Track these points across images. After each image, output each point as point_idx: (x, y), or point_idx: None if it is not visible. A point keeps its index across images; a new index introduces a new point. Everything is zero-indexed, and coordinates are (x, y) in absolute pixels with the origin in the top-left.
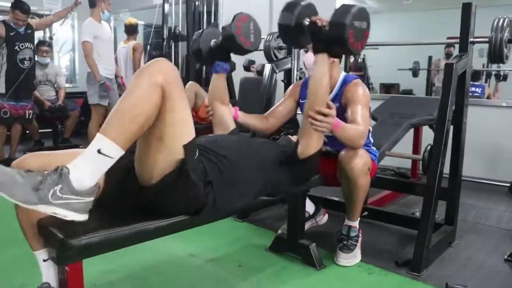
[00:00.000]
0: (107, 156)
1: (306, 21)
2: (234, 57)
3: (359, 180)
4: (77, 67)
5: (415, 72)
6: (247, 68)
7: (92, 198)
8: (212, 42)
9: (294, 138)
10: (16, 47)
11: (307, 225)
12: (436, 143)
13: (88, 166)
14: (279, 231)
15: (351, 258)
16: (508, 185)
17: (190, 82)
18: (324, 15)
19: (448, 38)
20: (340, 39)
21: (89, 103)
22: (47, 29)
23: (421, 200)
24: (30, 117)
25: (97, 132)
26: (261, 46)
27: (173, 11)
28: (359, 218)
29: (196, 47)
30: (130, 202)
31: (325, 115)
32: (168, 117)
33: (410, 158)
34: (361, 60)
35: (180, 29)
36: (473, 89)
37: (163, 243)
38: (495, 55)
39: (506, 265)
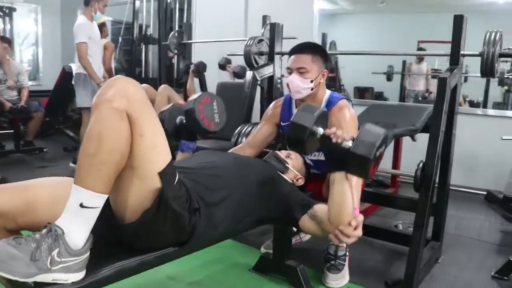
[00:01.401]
0: (91, 207)
1: (319, 131)
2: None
3: None
4: (41, 63)
5: (389, 76)
6: (222, 66)
7: (88, 254)
8: (178, 119)
9: (282, 153)
10: None
11: (292, 242)
12: (429, 160)
13: (76, 222)
14: (262, 249)
15: (340, 279)
16: (485, 193)
17: (162, 86)
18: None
19: (419, 42)
20: (362, 171)
21: (79, 106)
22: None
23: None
24: None
25: (73, 184)
26: (241, 51)
27: (144, 8)
28: None
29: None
30: (111, 238)
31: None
32: (137, 144)
33: (399, 174)
34: (334, 61)
35: (151, 31)
36: None
37: None
38: (487, 70)
39: (495, 283)
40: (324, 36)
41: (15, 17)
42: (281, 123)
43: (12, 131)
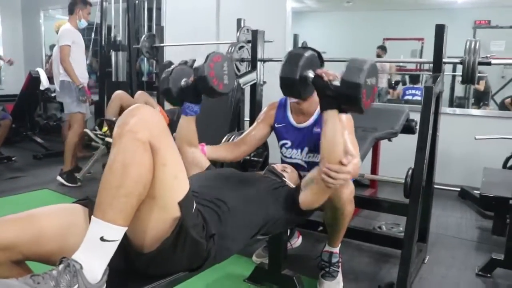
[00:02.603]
0: (111, 240)
1: (310, 74)
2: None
3: (346, 209)
4: (2, 66)
5: None
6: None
7: (104, 286)
8: (183, 81)
9: (278, 167)
10: None
11: None
12: (418, 167)
13: (95, 256)
14: (254, 257)
15: (335, 286)
16: (458, 189)
17: (139, 92)
18: (275, 21)
19: (384, 39)
20: (353, 99)
21: (66, 113)
22: None
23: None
24: None
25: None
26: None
27: (113, 9)
28: (340, 245)
29: (165, 86)
30: (124, 266)
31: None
32: (159, 174)
33: (380, 180)
34: None
35: (120, 35)
36: (412, 91)
37: None
38: (468, 77)
39: (479, 281)
40: (295, 37)
41: None
42: (276, 125)
43: None
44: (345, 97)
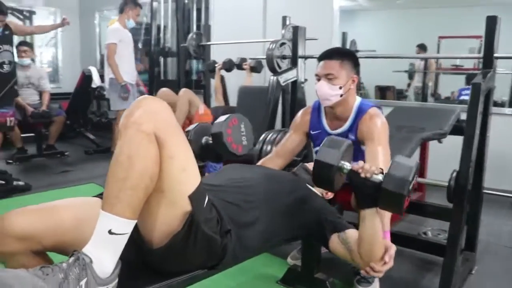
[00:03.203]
0: (120, 234)
1: (346, 166)
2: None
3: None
4: (60, 65)
5: (411, 75)
6: (239, 66)
7: (116, 281)
8: (204, 139)
9: (311, 165)
10: None
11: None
12: (463, 169)
13: (105, 249)
14: (289, 259)
15: None
16: None
17: (183, 90)
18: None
19: (439, 37)
20: (395, 206)
21: (112, 109)
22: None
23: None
24: (12, 124)
25: (101, 210)
26: (260, 52)
27: (162, 8)
28: None
29: None
30: (138, 261)
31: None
32: (166, 166)
33: (426, 183)
34: None
35: (170, 46)
36: (468, 92)
37: None
38: None
39: None
40: (344, 35)
41: (35, 20)
42: (311, 132)
43: (34, 134)
44: (386, 203)
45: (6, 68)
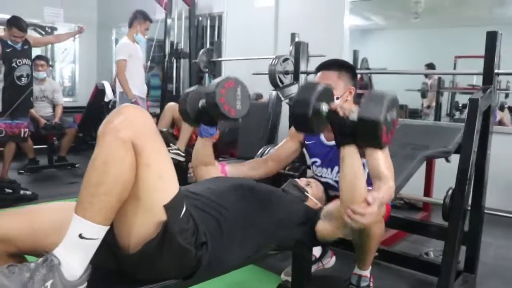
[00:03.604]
0: (90, 238)
1: (324, 108)
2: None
3: (372, 229)
4: (77, 80)
5: (423, 93)
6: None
7: (85, 285)
8: (200, 102)
9: (302, 181)
10: (13, 64)
11: (313, 269)
12: (459, 186)
13: (74, 253)
14: (282, 275)
15: None
16: None
17: None
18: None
19: (456, 57)
20: (372, 137)
21: None
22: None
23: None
24: (26, 135)
25: (74, 213)
26: (266, 70)
27: (176, 25)
28: (370, 267)
29: (183, 107)
30: (113, 267)
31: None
32: (143, 174)
33: (426, 201)
34: (367, 77)
35: (182, 46)
36: None
37: None
38: None
39: None
40: (355, 53)
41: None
42: (306, 142)
43: (46, 146)
44: (363, 134)
45: (24, 81)
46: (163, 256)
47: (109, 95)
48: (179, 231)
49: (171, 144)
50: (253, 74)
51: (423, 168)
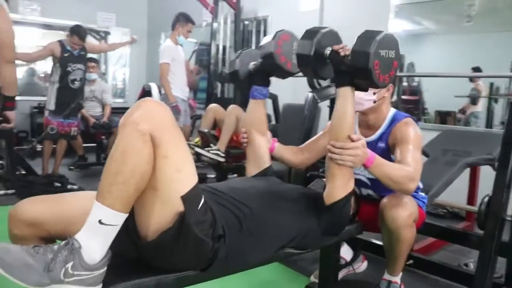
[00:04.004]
0: (109, 224)
1: (328, 50)
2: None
3: (402, 233)
4: (127, 83)
5: (474, 100)
6: None
7: (104, 269)
8: (251, 64)
9: None
10: (69, 68)
11: (343, 273)
12: (497, 193)
13: (94, 238)
14: (312, 278)
15: None
16: None
17: (231, 106)
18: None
19: None
20: (364, 70)
21: None
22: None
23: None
24: (75, 133)
25: (95, 200)
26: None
27: (222, 29)
28: (401, 274)
29: (233, 69)
30: (134, 255)
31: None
32: (161, 166)
33: (469, 210)
34: (416, 83)
35: (228, 50)
36: None
37: None
38: None
39: None
40: (401, 57)
41: (110, 40)
42: None
43: (95, 144)
44: (355, 69)
45: (76, 84)
46: (180, 246)
47: (155, 97)
48: (195, 222)
49: (211, 145)
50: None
51: (466, 175)
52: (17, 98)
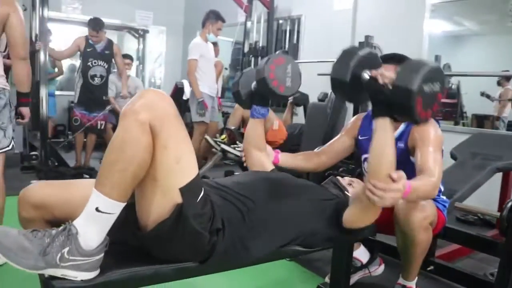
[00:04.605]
0: (106, 212)
1: (366, 75)
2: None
3: (417, 237)
4: (163, 80)
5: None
6: (321, 101)
7: (101, 256)
8: (253, 84)
9: (344, 180)
10: (89, 63)
11: (358, 276)
12: None
13: (91, 225)
14: (326, 279)
15: None
16: None
17: None
18: (410, 42)
19: None
20: (405, 109)
21: (192, 121)
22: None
23: None
24: (103, 127)
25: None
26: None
27: (255, 28)
28: (416, 278)
29: (235, 89)
30: (135, 244)
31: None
32: (160, 156)
33: (490, 215)
34: (455, 86)
35: (261, 44)
36: None
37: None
38: None
39: None
40: (436, 58)
41: (147, 38)
42: (359, 137)
43: None
44: (396, 105)
45: (96, 81)
46: (177, 237)
47: (187, 93)
48: (193, 215)
49: (237, 142)
50: (318, 74)
51: (499, 181)
52: (57, 93)
